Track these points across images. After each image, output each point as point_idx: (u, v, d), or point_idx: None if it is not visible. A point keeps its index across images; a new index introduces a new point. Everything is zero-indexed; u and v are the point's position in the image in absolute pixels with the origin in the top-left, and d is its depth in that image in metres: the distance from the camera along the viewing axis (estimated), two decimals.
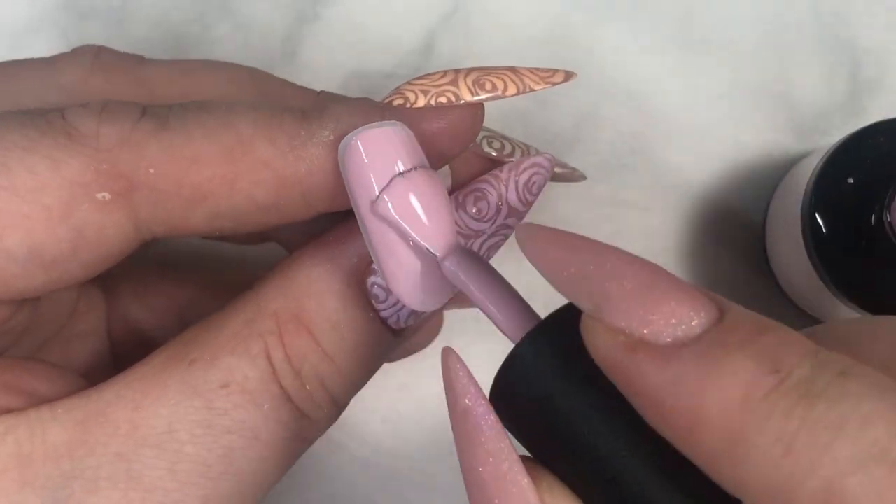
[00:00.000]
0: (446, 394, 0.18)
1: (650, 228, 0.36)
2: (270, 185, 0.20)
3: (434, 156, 0.21)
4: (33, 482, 0.20)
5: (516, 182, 0.23)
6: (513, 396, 0.18)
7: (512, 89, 0.22)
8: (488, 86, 0.21)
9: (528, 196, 0.23)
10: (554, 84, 0.22)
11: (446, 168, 0.23)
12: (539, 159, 0.23)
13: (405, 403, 0.36)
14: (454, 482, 0.36)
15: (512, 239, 0.24)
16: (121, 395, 0.21)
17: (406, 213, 0.20)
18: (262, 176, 0.20)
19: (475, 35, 0.37)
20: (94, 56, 0.24)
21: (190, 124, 0.20)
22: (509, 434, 0.18)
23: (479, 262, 0.20)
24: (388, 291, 0.22)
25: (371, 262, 0.22)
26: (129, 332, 0.28)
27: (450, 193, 0.23)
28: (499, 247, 0.23)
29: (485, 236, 0.23)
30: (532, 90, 0.22)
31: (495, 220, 0.23)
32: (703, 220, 0.36)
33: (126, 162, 0.20)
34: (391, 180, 0.20)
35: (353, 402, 0.23)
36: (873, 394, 0.14)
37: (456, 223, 0.22)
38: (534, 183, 0.23)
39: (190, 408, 0.20)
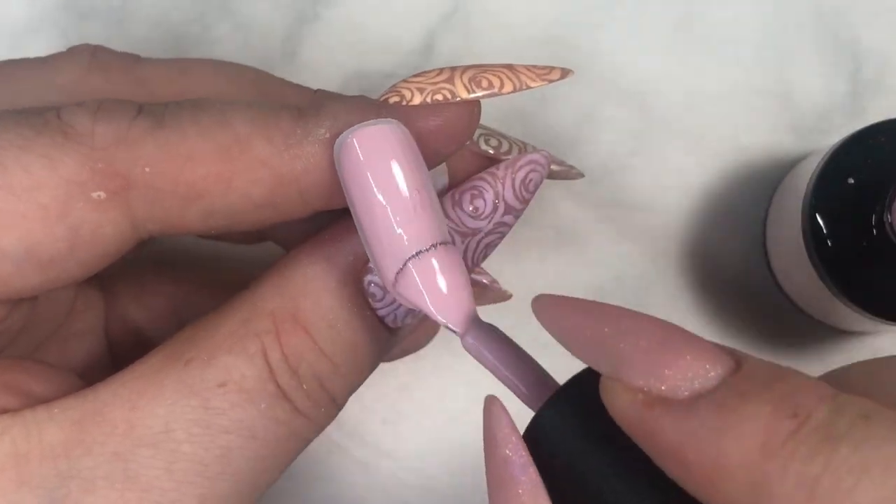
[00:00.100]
0: (485, 439, 0.19)
1: (650, 228, 0.36)
2: (267, 183, 0.20)
3: (430, 153, 0.21)
4: (30, 482, 0.20)
5: (513, 179, 0.23)
6: (536, 458, 0.18)
7: (508, 87, 0.21)
8: (485, 83, 0.21)
9: (524, 193, 0.23)
10: (551, 81, 0.22)
11: (443, 166, 0.23)
12: (535, 156, 0.23)
13: (405, 403, 0.36)
14: (454, 482, 0.36)
15: (511, 239, 0.24)
16: (117, 394, 0.21)
17: (428, 293, 0.20)
18: (258, 174, 0.20)
19: (475, 35, 0.37)
20: (90, 55, 0.24)
21: (185, 122, 0.20)
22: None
23: (498, 335, 0.20)
24: (384, 290, 0.22)
25: (367, 260, 0.22)
26: (126, 332, 0.28)
27: (446, 191, 0.23)
28: (495, 245, 0.23)
29: (481, 234, 0.23)
30: (529, 87, 0.22)
31: (492, 217, 0.23)
32: (703, 220, 0.36)
33: (122, 160, 0.20)
34: (413, 257, 0.20)
35: (352, 402, 0.23)
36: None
37: (452, 221, 0.22)
38: (530, 180, 0.23)
39: (187, 407, 0.20)
